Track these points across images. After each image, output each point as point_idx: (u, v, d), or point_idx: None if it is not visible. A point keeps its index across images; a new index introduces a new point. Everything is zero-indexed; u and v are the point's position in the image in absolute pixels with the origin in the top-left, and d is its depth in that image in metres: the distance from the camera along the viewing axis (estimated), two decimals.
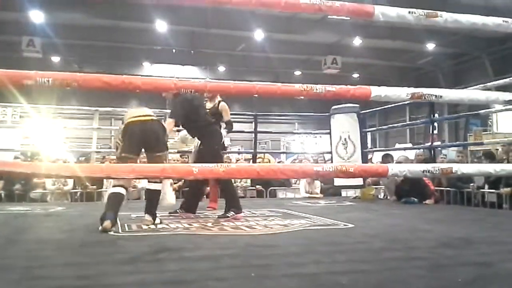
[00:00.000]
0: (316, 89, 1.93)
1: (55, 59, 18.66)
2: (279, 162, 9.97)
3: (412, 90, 2.14)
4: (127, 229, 3.76)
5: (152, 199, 4.10)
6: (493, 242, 3.21)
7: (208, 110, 4.95)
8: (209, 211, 5.06)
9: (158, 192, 4.09)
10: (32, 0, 12.95)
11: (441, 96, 2.13)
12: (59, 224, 4.15)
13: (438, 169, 2.07)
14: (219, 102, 5.05)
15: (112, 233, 3.55)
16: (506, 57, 16.07)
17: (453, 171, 2.09)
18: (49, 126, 12.28)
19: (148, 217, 4.03)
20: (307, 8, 1.99)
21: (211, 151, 4.57)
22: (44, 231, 3.82)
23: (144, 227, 3.86)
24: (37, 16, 14.24)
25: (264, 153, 9.48)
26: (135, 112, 4.17)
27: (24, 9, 13.35)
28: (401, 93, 2.10)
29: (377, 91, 2.04)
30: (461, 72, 19.41)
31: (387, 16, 2.12)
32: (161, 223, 4.04)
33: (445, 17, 2.18)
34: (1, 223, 4.19)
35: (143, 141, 3.93)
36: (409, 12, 2.13)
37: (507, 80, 4.89)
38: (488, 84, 5.48)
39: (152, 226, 3.89)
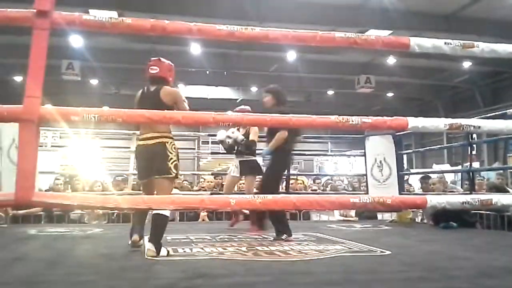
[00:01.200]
0: (352, 121, 1.94)
1: (93, 81, 19.22)
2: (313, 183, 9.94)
3: (450, 121, 2.12)
4: (163, 252, 3.80)
5: (158, 226, 3.65)
6: None
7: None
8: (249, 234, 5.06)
9: (165, 219, 3.69)
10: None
11: (479, 127, 2.10)
12: (97, 246, 4.24)
13: (478, 201, 2.02)
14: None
15: (148, 257, 3.61)
16: (495, 90, 15.79)
17: (493, 203, 2.04)
18: (87, 147, 12.59)
19: (151, 247, 3.57)
20: (342, 42, 2.01)
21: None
22: (82, 253, 3.91)
23: (180, 250, 3.90)
24: (76, 41, 14.77)
25: (297, 175, 9.43)
26: (142, 132, 3.87)
27: (64, 34, 13.87)
28: (439, 123, 2.08)
29: (414, 122, 2.03)
30: (499, 91, 18.96)
31: (423, 48, 2.11)
32: (168, 255, 3.64)
33: (482, 47, 2.16)
34: (41, 246, 4.31)
35: (145, 166, 3.74)
36: (445, 43, 2.12)
37: None
38: None
39: (187, 250, 3.92)
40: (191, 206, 2.15)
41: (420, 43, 2.12)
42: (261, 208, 1.92)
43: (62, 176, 7.99)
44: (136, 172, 3.96)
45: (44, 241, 4.65)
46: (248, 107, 5.71)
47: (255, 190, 5.27)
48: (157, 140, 3.69)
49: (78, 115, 1.76)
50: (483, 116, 7.27)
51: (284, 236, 4.41)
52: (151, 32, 1.96)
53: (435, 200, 2.04)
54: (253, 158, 5.61)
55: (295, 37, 2.07)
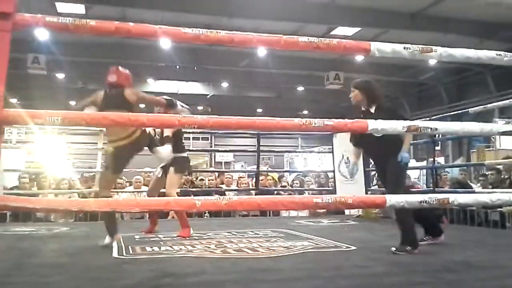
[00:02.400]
0: (315, 123, 1.98)
1: (60, 76, 18.83)
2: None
3: (408, 123, 2.20)
4: (131, 251, 3.80)
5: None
6: (493, 266, 3.24)
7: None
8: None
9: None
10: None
11: (436, 129, 2.19)
12: (64, 246, 4.19)
13: (435, 199, 2.11)
14: None
15: (116, 255, 3.61)
16: (508, 73, 16.14)
17: (450, 202, 2.13)
18: (54, 143, 12.34)
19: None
20: (305, 46, 2.06)
21: None
22: (49, 254, 3.86)
23: (148, 249, 3.90)
24: (42, 34, 14.40)
25: (266, 172, 9.48)
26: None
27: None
28: (397, 126, 2.16)
29: (374, 125, 2.09)
30: (464, 88, 19.47)
31: (383, 52, 2.18)
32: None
33: (440, 52, 2.24)
34: (7, 246, 4.23)
35: None
36: (404, 48, 2.20)
37: (506, 101, 4.95)
38: (489, 105, 5.54)
39: (156, 249, 3.93)
40: (156, 208, 2.16)
41: (380, 47, 2.18)
42: (225, 209, 1.95)
43: (27, 173, 7.83)
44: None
45: (9, 241, 4.56)
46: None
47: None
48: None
49: (41, 117, 1.75)
50: (446, 114, 7.49)
51: (408, 248, 3.80)
52: (116, 34, 1.96)
53: (394, 199, 2.11)
54: (182, 155, 5.12)
55: (260, 40, 2.10)
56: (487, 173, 7.94)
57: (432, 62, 17.73)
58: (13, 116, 1.78)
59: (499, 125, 2.29)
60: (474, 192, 5.99)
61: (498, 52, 2.32)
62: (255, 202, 1.97)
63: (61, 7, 13.24)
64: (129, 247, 3.97)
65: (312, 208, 1.97)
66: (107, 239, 4.08)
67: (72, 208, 1.72)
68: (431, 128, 2.15)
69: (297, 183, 8.87)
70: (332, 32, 16.09)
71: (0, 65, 1.69)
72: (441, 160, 16.63)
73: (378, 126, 2.09)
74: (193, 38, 1.97)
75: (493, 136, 13.71)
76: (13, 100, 19.44)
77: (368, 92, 4.19)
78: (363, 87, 4.22)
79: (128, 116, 1.84)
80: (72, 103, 23.31)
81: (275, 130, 2.12)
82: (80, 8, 13.50)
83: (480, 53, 2.30)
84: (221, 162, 21.05)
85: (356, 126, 2.08)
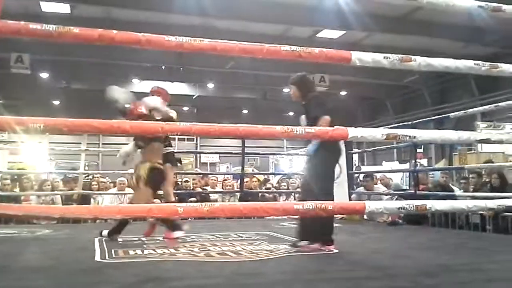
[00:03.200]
0: (297, 131, 2.02)
1: (44, 75, 18.65)
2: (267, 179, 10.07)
3: (387, 131, 2.24)
4: (114, 255, 3.79)
5: None
6: (471, 270, 3.30)
7: None
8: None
9: None
10: (23, 18, 12.95)
11: (414, 137, 2.24)
12: (47, 249, 4.17)
13: (413, 206, 2.16)
14: None
15: (98, 259, 3.60)
16: (491, 77, 16.46)
17: (427, 208, 2.18)
18: (37, 143, 12.22)
19: None
20: (288, 55, 2.09)
21: None
22: (31, 257, 3.83)
23: (131, 252, 3.89)
24: (63, 8, 14.07)
25: (252, 174, 9.50)
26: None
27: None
28: (376, 133, 2.20)
29: (354, 132, 2.14)
30: (447, 91, 19.73)
31: (363, 61, 2.22)
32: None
33: (419, 61, 2.29)
34: None
35: None
36: (384, 57, 2.24)
37: (487, 107, 5.05)
38: (469, 110, 5.64)
39: (139, 252, 3.92)
40: (138, 215, 2.17)
41: (361, 57, 2.23)
42: (207, 215, 1.97)
43: (9, 174, 7.74)
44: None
45: None
46: (163, 89, 5.47)
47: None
48: None
49: (23, 124, 1.75)
50: (428, 118, 7.59)
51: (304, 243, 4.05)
52: (99, 42, 1.96)
53: (373, 205, 2.16)
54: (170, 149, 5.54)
55: (242, 49, 2.13)
56: (468, 176, 8.06)
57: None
58: None
59: (477, 133, 2.35)
60: (454, 195, 6.09)
61: (476, 62, 2.38)
62: (238, 209, 2.00)
63: (45, 6, 13.10)
64: (112, 250, 3.96)
65: (293, 215, 1.98)
66: (105, 232, 4.55)
67: (54, 215, 1.72)
68: (409, 136, 2.19)
69: (284, 185, 8.91)
70: (318, 35, 16.21)
71: None
72: (424, 162, 16.84)
73: (357, 133, 2.13)
74: (176, 46, 1.99)
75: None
76: None
77: (302, 85, 4.38)
78: (297, 82, 4.43)
79: (111, 123, 1.85)
80: (56, 102, 23.16)
81: (258, 137, 2.14)
82: (65, 8, 13.37)
83: (459, 63, 2.36)
84: (207, 163, 21.03)
85: (336, 134, 2.12)
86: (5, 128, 1.80)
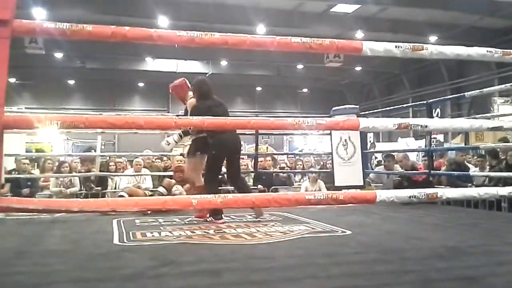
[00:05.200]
0: (308, 122, 2.04)
1: (58, 55, 18.77)
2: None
3: (399, 120, 2.25)
4: (131, 237, 3.90)
5: None
6: (483, 252, 3.32)
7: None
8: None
9: None
10: None
11: (426, 126, 2.24)
12: (65, 232, 4.28)
13: (424, 194, 2.18)
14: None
15: (116, 242, 3.70)
16: (460, 63, 17.03)
17: (438, 196, 2.20)
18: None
19: None
20: (298, 47, 2.10)
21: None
22: (50, 241, 3.95)
23: (148, 235, 3.99)
24: (39, 13, 14.30)
25: (265, 155, 9.51)
26: None
27: (27, 7, 13.43)
28: (388, 123, 2.22)
29: (365, 123, 2.15)
30: (465, 64, 19.42)
31: (375, 51, 2.22)
32: None
33: (431, 50, 2.28)
34: (9, 232, 4.33)
35: None
36: (396, 47, 2.23)
37: (503, 86, 4.98)
38: (485, 90, 5.56)
39: (156, 234, 4.02)
40: (154, 207, 2.24)
41: (372, 47, 2.23)
42: (221, 207, 2.03)
43: (27, 158, 7.86)
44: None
45: (11, 226, 4.66)
46: (183, 79, 5.50)
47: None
48: None
49: (41, 122, 1.81)
50: (444, 98, 7.47)
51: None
52: (112, 39, 2.00)
53: (384, 195, 2.18)
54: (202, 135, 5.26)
55: (253, 42, 2.15)
56: (484, 154, 7.99)
57: (433, 39, 17.63)
58: (14, 121, 1.83)
59: (489, 121, 2.36)
60: (469, 175, 6.07)
61: (489, 49, 2.36)
62: (250, 200, 2.05)
63: None
64: (130, 232, 4.06)
65: (304, 204, 2.03)
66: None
67: (73, 209, 1.79)
68: (421, 125, 2.20)
69: (300, 164, 8.93)
70: (332, 9, 16.00)
71: (0, 74, 1.74)
72: (440, 137, 16.69)
73: (369, 124, 2.15)
74: (187, 41, 2.01)
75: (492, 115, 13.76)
76: (12, 80, 19.44)
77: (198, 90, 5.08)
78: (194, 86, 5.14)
79: (125, 118, 1.90)
80: (71, 82, 23.35)
81: (269, 129, 2.17)
82: None
83: (471, 50, 2.34)
84: None
85: (348, 125, 2.14)
86: (24, 126, 1.86)
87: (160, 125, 2.18)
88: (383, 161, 7.89)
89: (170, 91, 5.40)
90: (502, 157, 7.08)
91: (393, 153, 7.61)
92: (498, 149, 6.93)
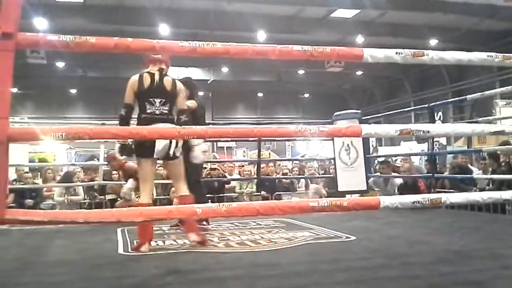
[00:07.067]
0: (310, 130, 2.05)
1: (60, 64, 18.84)
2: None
3: (401, 126, 2.26)
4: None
5: None
6: (488, 256, 3.31)
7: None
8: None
9: None
10: (36, 8, 13.15)
11: (428, 131, 2.25)
12: (70, 242, 4.29)
13: (428, 200, 2.18)
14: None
15: (121, 251, 3.71)
16: (461, 66, 17.09)
17: (442, 201, 2.20)
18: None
19: None
20: (300, 55, 2.11)
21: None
22: (55, 250, 3.96)
23: (153, 243, 3.99)
24: (40, 23, 14.36)
25: (267, 161, 9.53)
26: None
27: (28, 17, 13.51)
28: (390, 130, 2.23)
29: (367, 129, 2.17)
30: (465, 67, 19.39)
31: (375, 58, 2.24)
32: None
33: (431, 55, 2.30)
34: (15, 243, 4.33)
35: None
36: (396, 53, 2.25)
37: (504, 89, 4.97)
38: (486, 93, 5.56)
39: (160, 243, 4.02)
40: (159, 217, 2.25)
41: (373, 53, 2.24)
42: (225, 216, 2.04)
43: (30, 168, 7.88)
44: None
45: (17, 237, 4.66)
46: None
47: None
48: None
49: (46, 134, 1.82)
50: (447, 101, 7.45)
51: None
52: (115, 50, 2.01)
53: (388, 201, 2.19)
54: None
55: (255, 51, 2.16)
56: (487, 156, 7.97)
57: (433, 42, 17.66)
58: (20, 133, 1.85)
59: (490, 125, 2.37)
60: (472, 177, 6.05)
61: (489, 54, 2.37)
62: (254, 208, 2.05)
63: None
64: (135, 241, 4.06)
65: (309, 212, 2.03)
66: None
67: (78, 220, 1.81)
68: (423, 131, 2.21)
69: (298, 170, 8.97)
70: (332, 15, 16.05)
71: (5, 86, 1.75)
72: (443, 140, 16.67)
73: (371, 130, 2.16)
74: (189, 51, 2.03)
75: (494, 122, 13.75)
76: (14, 90, 19.51)
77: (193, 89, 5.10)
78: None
79: (129, 129, 1.91)
80: (73, 91, 23.42)
81: (272, 137, 2.18)
82: None
83: (471, 55, 2.35)
84: (223, 147, 21.13)
85: (350, 132, 2.15)
86: (29, 139, 1.87)
87: (163, 134, 2.20)
88: (378, 167, 7.90)
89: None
90: (506, 160, 7.07)
91: (394, 157, 7.61)
92: (499, 152, 6.92)
